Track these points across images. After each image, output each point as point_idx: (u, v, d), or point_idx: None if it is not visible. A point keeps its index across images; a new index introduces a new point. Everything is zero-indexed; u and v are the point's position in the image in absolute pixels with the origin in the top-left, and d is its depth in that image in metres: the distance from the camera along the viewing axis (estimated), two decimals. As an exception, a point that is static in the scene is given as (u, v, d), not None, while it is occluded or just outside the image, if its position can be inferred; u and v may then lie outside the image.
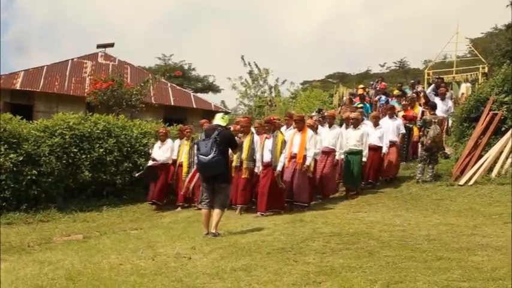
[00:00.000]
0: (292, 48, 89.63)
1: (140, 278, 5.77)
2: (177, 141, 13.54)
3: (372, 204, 11.01)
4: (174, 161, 13.34)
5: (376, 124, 13.18)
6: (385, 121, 13.66)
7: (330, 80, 53.95)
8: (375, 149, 12.73)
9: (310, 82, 48.19)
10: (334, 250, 6.56)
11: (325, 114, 14.68)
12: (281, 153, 10.52)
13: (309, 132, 10.94)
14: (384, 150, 13.01)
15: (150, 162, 13.23)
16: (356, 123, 12.36)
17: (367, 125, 13.19)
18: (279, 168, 10.43)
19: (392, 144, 13.28)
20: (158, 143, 13.54)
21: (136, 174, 13.50)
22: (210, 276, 5.66)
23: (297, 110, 19.37)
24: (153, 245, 7.76)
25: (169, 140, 13.48)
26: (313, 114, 18.41)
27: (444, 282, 4.86)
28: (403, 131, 13.86)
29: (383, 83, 23.25)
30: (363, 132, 12.23)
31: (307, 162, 10.78)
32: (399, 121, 13.86)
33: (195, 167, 12.23)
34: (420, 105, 17.00)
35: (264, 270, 5.74)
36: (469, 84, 21.33)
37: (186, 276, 5.69)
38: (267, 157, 10.64)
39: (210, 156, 8.03)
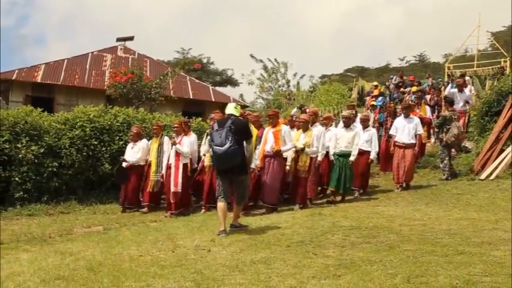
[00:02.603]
0: (311, 42, 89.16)
1: (160, 269, 5.80)
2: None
3: (391, 198, 10.97)
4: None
5: (365, 126, 12.27)
6: (399, 121, 12.45)
7: (348, 74, 53.66)
8: (360, 154, 11.61)
9: (329, 76, 47.98)
10: (354, 243, 6.53)
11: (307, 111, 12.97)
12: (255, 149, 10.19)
13: (284, 127, 10.29)
14: (372, 155, 12.01)
15: (124, 164, 12.62)
16: (347, 122, 11.49)
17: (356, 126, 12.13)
18: (252, 165, 9.94)
19: (407, 146, 12.01)
20: (131, 143, 12.87)
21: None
22: (229, 268, 5.67)
23: (316, 104, 19.28)
24: (172, 237, 7.80)
25: (143, 140, 12.84)
26: (293, 111, 17.63)
27: (466, 277, 4.81)
28: (421, 131, 12.50)
29: (411, 76, 22.98)
30: (356, 133, 11.33)
31: (289, 161, 10.56)
32: (416, 120, 12.26)
33: (163, 166, 11.91)
34: (428, 104, 16.65)
35: (284, 263, 5.74)
36: (468, 78, 21.08)
37: (206, 268, 5.71)
38: None
39: (225, 147, 7.49)
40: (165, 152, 12.08)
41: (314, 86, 29.67)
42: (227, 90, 38.99)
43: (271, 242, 6.84)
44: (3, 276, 6.01)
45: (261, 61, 27.60)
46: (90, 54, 26.91)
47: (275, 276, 5.28)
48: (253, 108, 27.48)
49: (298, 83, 29.06)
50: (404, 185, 12.01)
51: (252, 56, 28.46)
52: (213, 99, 26.09)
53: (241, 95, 35.10)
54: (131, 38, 28.80)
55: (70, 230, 9.94)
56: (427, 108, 15.03)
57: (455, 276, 4.85)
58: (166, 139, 12.34)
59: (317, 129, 11.03)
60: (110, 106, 15.20)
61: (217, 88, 31.42)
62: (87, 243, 8.00)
